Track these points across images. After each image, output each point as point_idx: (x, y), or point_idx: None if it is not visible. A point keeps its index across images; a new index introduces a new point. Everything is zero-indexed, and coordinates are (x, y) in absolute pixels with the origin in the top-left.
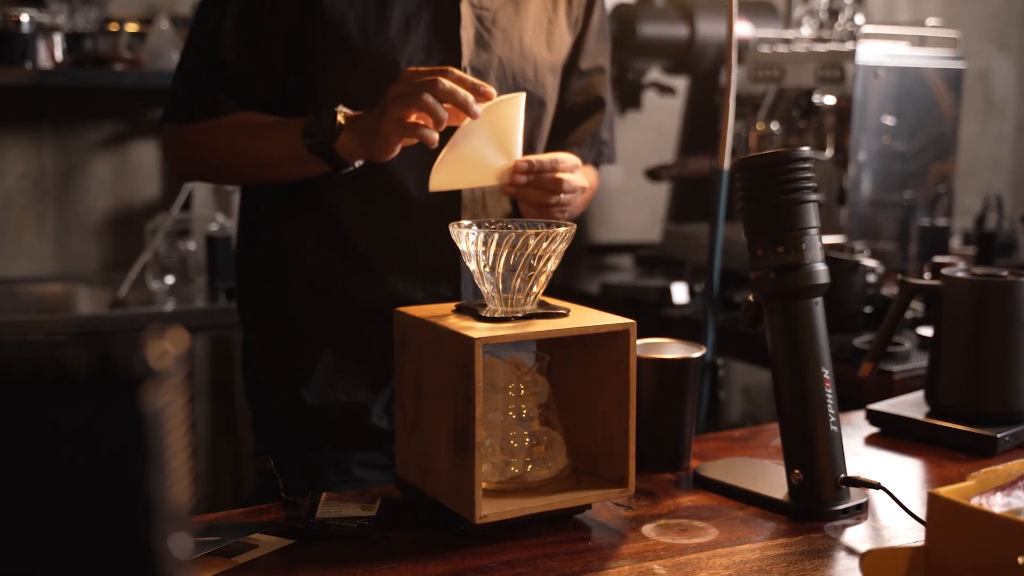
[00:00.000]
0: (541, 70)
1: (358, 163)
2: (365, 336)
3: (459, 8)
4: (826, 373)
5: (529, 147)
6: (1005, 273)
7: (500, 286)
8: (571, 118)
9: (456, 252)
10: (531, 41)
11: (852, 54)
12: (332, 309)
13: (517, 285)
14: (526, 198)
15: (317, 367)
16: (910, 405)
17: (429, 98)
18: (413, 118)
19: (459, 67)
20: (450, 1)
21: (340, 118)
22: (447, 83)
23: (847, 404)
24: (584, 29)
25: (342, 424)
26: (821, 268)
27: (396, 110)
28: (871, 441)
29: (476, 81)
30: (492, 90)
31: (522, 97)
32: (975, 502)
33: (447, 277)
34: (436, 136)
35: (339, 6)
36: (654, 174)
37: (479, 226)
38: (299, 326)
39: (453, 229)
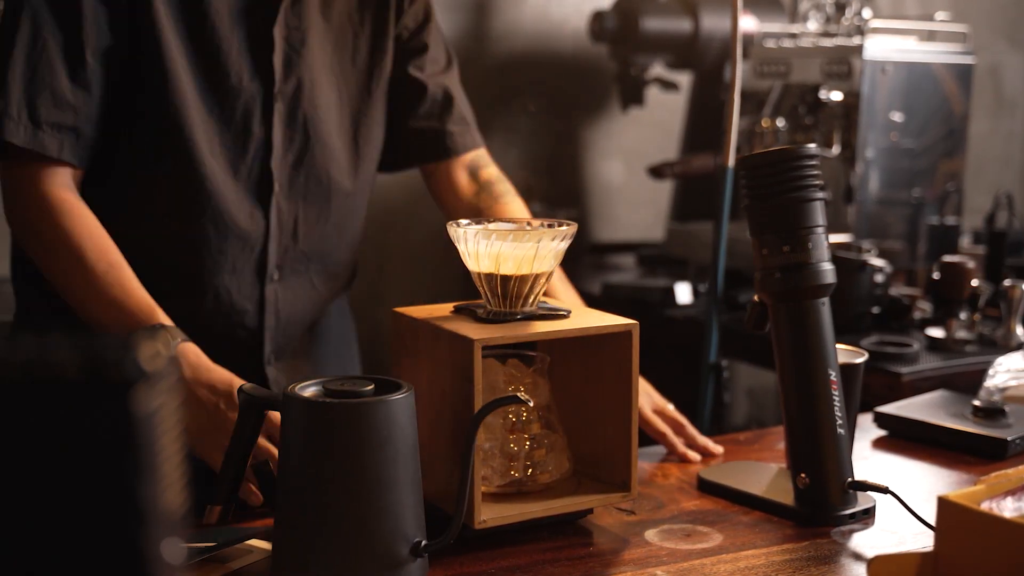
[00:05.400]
0: (350, 87)
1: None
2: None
3: (272, 33)
4: (833, 375)
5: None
6: None
7: (500, 286)
8: (415, 117)
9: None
10: (333, 58)
11: (859, 49)
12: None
13: (517, 285)
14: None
15: None
16: (918, 407)
17: None
18: None
19: (271, 95)
20: (263, 26)
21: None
22: None
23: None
24: (420, 34)
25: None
26: (828, 267)
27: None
28: (879, 444)
29: None
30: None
31: None
32: (985, 506)
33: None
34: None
35: (160, 28)
36: (657, 172)
37: (477, 225)
38: None
39: (452, 229)
